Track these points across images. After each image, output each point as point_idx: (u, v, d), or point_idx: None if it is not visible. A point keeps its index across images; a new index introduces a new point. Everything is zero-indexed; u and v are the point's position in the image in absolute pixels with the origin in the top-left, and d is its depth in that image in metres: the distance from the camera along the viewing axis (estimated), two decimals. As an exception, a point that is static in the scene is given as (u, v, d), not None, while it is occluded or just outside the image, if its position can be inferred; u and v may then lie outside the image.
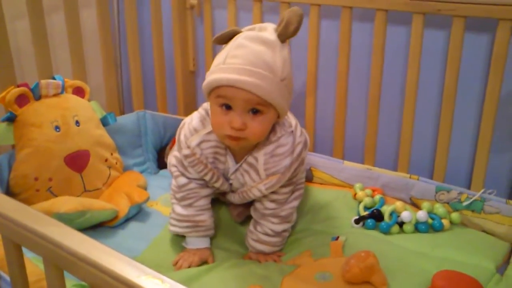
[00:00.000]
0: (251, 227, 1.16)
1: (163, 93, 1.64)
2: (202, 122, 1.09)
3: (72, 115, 1.30)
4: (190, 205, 1.13)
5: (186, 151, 1.08)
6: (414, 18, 1.23)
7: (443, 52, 1.27)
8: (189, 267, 1.09)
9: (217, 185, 1.12)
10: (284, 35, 1.01)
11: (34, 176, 1.23)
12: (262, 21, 1.46)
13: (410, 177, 1.30)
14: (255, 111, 0.99)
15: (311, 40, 1.38)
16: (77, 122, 1.30)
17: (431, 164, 1.35)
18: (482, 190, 1.22)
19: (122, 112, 1.71)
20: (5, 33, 1.23)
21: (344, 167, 1.39)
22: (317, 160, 1.42)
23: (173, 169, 1.15)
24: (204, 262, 1.11)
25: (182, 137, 1.10)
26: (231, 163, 1.10)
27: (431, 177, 1.31)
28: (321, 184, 1.41)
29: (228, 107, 0.99)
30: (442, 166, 1.29)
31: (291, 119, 1.12)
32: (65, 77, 1.37)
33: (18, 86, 1.25)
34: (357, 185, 1.35)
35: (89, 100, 1.40)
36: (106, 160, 1.35)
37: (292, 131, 1.08)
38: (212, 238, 1.17)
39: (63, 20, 1.40)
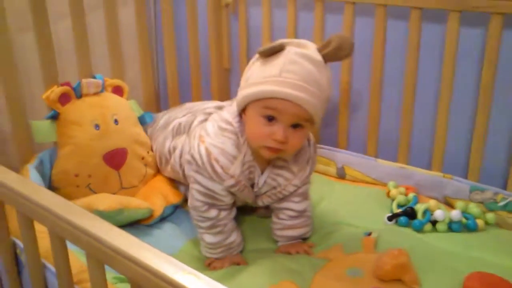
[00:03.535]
0: (273, 218, 1.17)
1: (198, 91, 1.67)
2: (237, 147, 1.06)
3: (111, 113, 1.33)
4: (220, 232, 1.10)
5: (230, 182, 1.06)
6: (450, 15, 1.22)
7: (480, 49, 1.25)
8: (221, 268, 1.10)
9: (249, 200, 1.13)
10: (331, 59, 1.01)
11: (75, 173, 1.27)
12: (296, 19, 1.47)
13: (443, 176, 1.30)
14: (296, 126, 1.00)
15: (345, 38, 1.38)
16: (116, 121, 1.34)
17: (465, 163, 1.33)
18: (519, 191, 1.20)
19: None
20: (49, 34, 1.27)
21: (377, 165, 1.39)
22: (350, 158, 1.42)
23: (199, 204, 1.09)
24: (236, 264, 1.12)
25: (218, 170, 1.04)
26: (258, 173, 1.10)
27: (466, 177, 1.30)
28: (354, 181, 1.42)
29: (271, 119, 0.99)
30: (477, 165, 1.28)
31: None
32: (103, 76, 1.40)
33: (61, 85, 1.29)
34: (391, 183, 1.34)
35: (127, 99, 1.43)
36: (142, 158, 1.37)
37: None
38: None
39: (100, 19, 1.42)
